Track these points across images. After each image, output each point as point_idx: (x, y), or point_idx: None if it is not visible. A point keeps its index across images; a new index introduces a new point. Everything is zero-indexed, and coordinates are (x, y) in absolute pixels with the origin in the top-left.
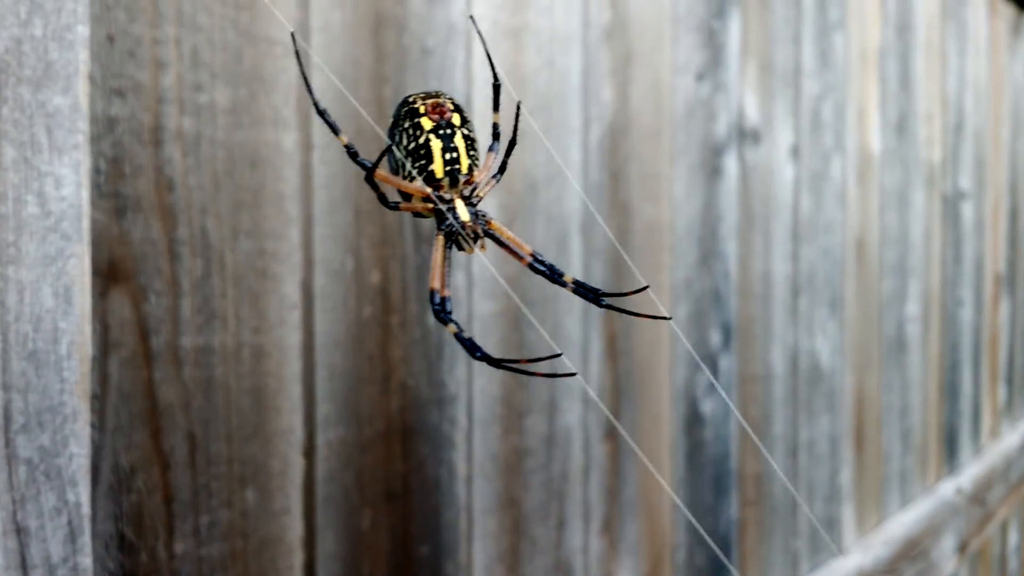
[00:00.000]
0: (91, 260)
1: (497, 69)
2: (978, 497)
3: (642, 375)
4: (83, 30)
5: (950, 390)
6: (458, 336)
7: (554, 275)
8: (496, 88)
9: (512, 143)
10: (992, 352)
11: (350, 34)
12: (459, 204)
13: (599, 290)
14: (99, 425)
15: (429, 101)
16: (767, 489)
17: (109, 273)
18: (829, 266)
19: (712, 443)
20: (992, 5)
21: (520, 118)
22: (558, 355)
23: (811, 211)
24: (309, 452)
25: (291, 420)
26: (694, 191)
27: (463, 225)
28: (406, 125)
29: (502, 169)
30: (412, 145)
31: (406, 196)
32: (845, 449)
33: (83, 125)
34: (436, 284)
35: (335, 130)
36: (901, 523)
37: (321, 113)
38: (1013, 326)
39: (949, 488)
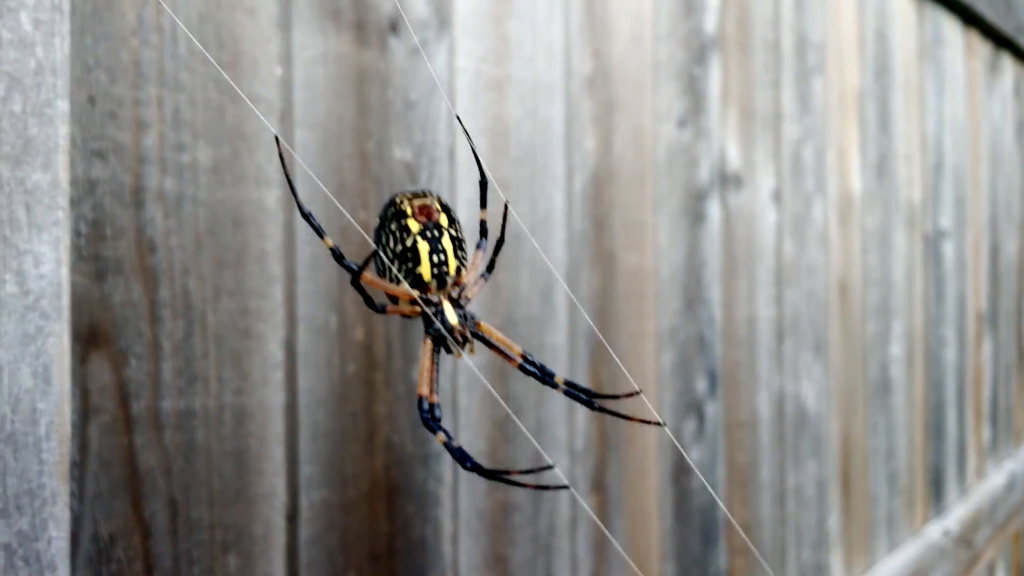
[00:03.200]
0: (71, 325)
1: (485, 168)
2: (965, 539)
3: (629, 425)
4: (63, 105)
5: (935, 431)
6: (447, 446)
7: (544, 376)
8: (483, 185)
9: (500, 242)
10: (976, 391)
11: (333, 89)
12: (447, 307)
13: (591, 391)
14: (79, 494)
15: (416, 203)
16: (756, 536)
17: (89, 338)
18: (813, 309)
19: (700, 492)
20: (968, 44)
21: (508, 217)
22: (550, 467)
23: (794, 254)
24: (292, 515)
25: (274, 483)
26: (678, 237)
27: (451, 329)
28: (393, 227)
29: (490, 267)
30: (399, 248)
31: (393, 299)
32: (832, 494)
33: (63, 201)
34: (424, 390)
35: (320, 233)
36: (890, 568)
37: (306, 217)
38: (996, 364)
39: (936, 530)
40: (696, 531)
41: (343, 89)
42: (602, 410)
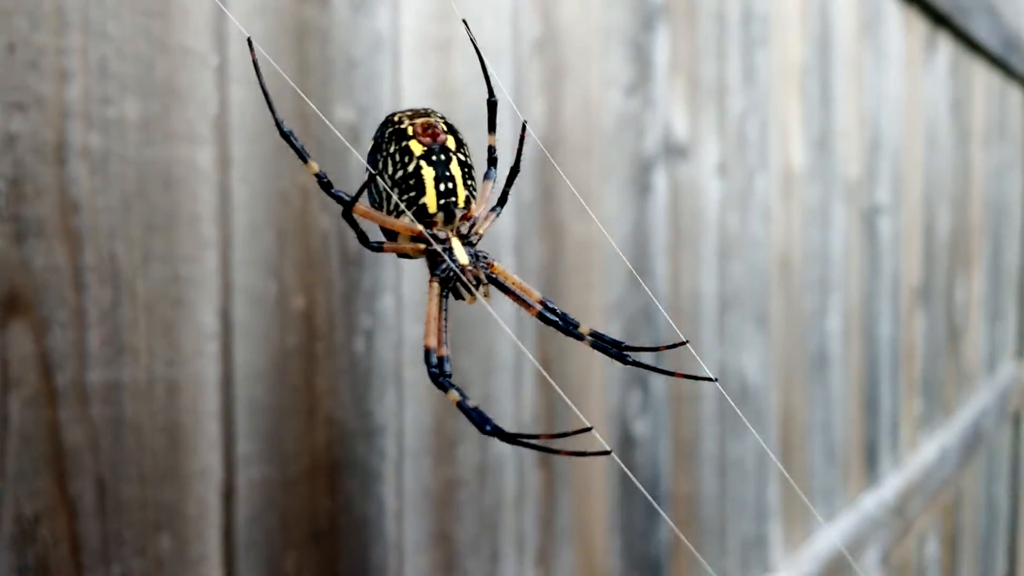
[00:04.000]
0: None
1: (494, 83)
2: (899, 509)
3: (576, 398)
4: None
5: (870, 404)
6: (462, 406)
7: (567, 325)
8: (492, 105)
9: (515, 171)
10: (909, 365)
11: (272, 44)
12: (456, 244)
13: (621, 343)
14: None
15: (418, 121)
16: (697, 510)
17: (8, 304)
18: (755, 283)
19: (645, 465)
20: (907, 21)
21: (525, 141)
22: (588, 429)
23: (737, 228)
24: (228, 493)
25: (209, 459)
26: (625, 208)
27: (462, 269)
28: (391, 150)
29: (502, 200)
30: (400, 174)
31: (391, 235)
32: (772, 466)
33: None
34: (431, 342)
35: (303, 156)
36: (827, 538)
37: (287, 136)
38: (928, 339)
39: (871, 501)
40: (641, 505)
41: (282, 45)
42: (637, 364)
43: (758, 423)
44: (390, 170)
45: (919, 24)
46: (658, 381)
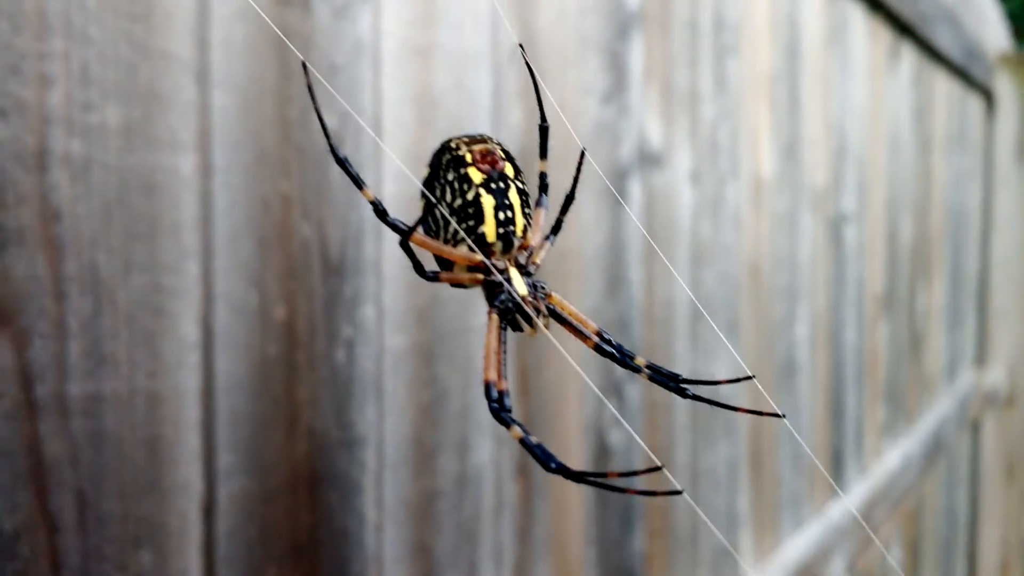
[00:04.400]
0: None
1: (546, 107)
2: (865, 516)
3: (553, 409)
4: None
5: (836, 411)
6: (525, 443)
7: (624, 357)
8: (544, 131)
9: (570, 198)
10: (873, 372)
11: (253, 50)
12: (514, 274)
13: (678, 376)
14: None
15: (476, 148)
16: (671, 519)
17: None
18: (726, 290)
19: None
20: (872, 30)
21: (582, 169)
22: (659, 468)
23: (710, 236)
24: (209, 507)
25: (189, 472)
26: (601, 216)
27: (522, 300)
28: (450, 177)
29: (556, 229)
30: (459, 202)
31: (446, 264)
32: (742, 475)
33: None
34: (492, 375)
35: (359, 184)
36: (795, 546)
37: (342, 162)
38: (891, 346)
39: (837, 509)
40: (616, 515)
41: (264, 50)
42: (697, 398)
43: (729, 432)
44: (448, 198)
45: (884, 33)
46: (633, 391)
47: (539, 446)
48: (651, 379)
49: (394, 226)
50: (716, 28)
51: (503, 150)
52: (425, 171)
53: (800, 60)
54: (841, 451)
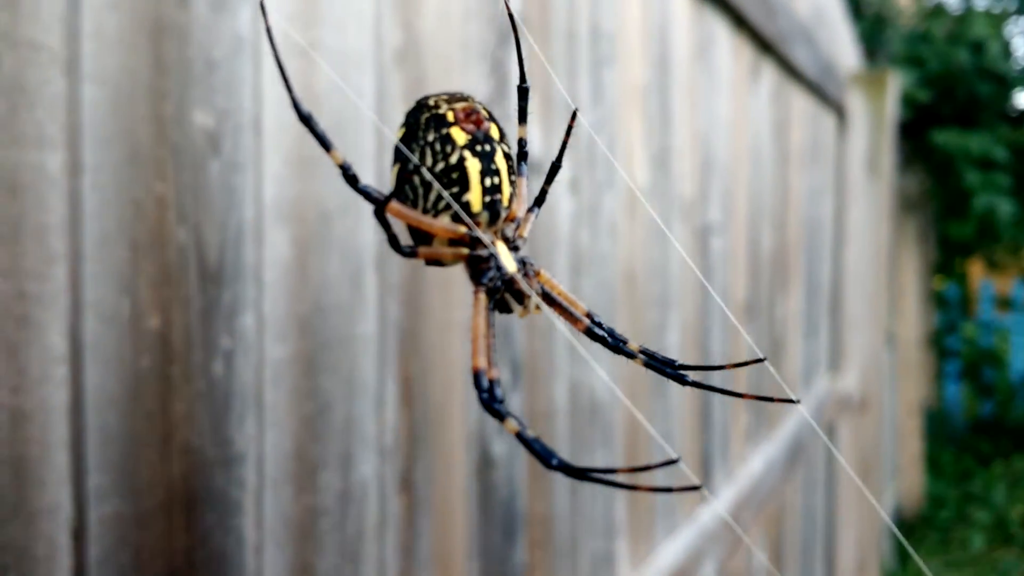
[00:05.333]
0: None
1: (526, 66)
2: (733, 520)
3: (437, 419)
4: None
5: (704, 417)
6: (523, 437)
7: (616, 342)
8: (524, 92)
9: (556, 166)
10: (737, 380)
11: (127, 41)
12: (501, 249)
13: (674, 361)
14: None
15: (459, 106)
16: (552, 529)
17: None
18: (604, 298)
19: (502, 486)
20: (735, 47)
21: (572, 132)
22: (675, 461)
23: (588, 244)
24: (79, 532)
25: (58, 495)
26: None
27: (510, 280)
28: (430, 138)
29: (540, 200)
30: (440, 166)
31: (424, 237)
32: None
33: None
34: (480, 362)
35: (326, 144)
36: (669, 551)
37: (306, 119)
38: (753, 354)
39: (707, 514)
40: (498, 527)
41: (138, 41)
42: (697, 385)
43: (606, 438)
44: (428, 161)
45: (747, 49)
46: (515, 401)
47: (537, 440)
48: (647, 365)
49: (367, 194)
50: (593, 38)
51: (486, 109)
52: (399, 132)
53: (671, 73)
54: (710, 456)
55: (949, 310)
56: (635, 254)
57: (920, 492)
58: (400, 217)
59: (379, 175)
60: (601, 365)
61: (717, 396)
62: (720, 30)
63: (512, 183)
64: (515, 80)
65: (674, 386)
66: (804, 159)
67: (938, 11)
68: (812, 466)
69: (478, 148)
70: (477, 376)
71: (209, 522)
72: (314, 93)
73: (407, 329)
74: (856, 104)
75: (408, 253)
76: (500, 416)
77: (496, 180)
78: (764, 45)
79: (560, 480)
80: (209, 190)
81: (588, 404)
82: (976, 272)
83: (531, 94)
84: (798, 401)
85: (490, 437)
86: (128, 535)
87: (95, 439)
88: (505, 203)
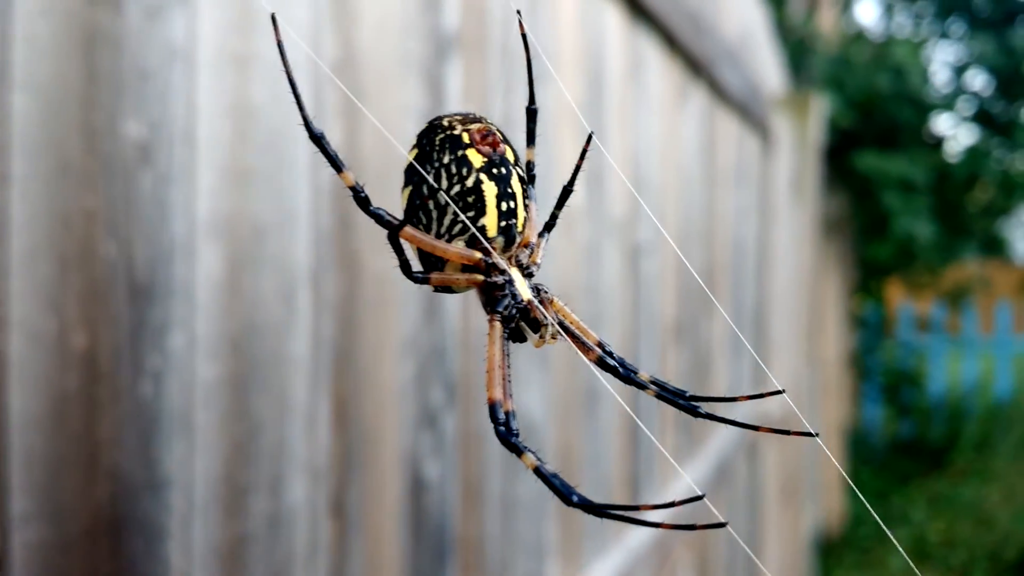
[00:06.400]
0: None
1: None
2: (661, 540)
3: (370, 440)
4: None
5: (634, 437)
6: (541, 472)
7: (627, 372)
8: (532, 114)
9: (567, 191)
10: (667, 409)
11: (59, 50)
12: (516, 275)
13: (684, 392)
14: None
15: (474, 127)
16: (483, 551)
17: None
18: None
19: (435, 509)
20: (665, 69)
21: (585, 158)
22: (700, 498)
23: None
24: (1, 557)
25: None
26: None
27: (526, 307)
28: (446, 160)
29: (550, 225)
30: (456, 189)
31: (436, 263)
32: (550, 503)
33: None
34: (496, 394)
35: (337, 166)
36: (599, 573)
37: (317, 139)
38: (681, 374)
39: (637, 535)
40: (430, 550)
41: (70, 50)
42: (710, 416)
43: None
44: (444, 184)
45: (676, 71)
46: (448, 422)
47: (555, 476)
48: (658, 396)
49: (379, 217)
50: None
51: (500, 131)
52: (410, 153)
53: (604, 93)
54: (639, 476)
55: (869, 331)
56: (569, 274)
57: (841, 511)
58: (413, 242)
59: (314, 189)
60: (533, 386)
61: (647, 418)
62: (651, 50)
63: (527, 207)
64: (452, 95)
65: (604, 406)
66: (731, 180)
67: (859, 37)
68: (735, 485)
69: (494, 171)
70: (493, 408)
71: (136, 548)
72: (250, 104)
73: (341, 348)
74: (781, 127)
75: (420, 279)
76: (518, 451)
77: (512, 204)
78: (694, 66)
79: (491, 501)
80: (140, 204)
81: (522, 424)
82: (895, 294)
83: (469, 109)
84: (816, 435)
85: (422, 459)
86: (52, 561)
87: (18, 462)
88: (520, 228)
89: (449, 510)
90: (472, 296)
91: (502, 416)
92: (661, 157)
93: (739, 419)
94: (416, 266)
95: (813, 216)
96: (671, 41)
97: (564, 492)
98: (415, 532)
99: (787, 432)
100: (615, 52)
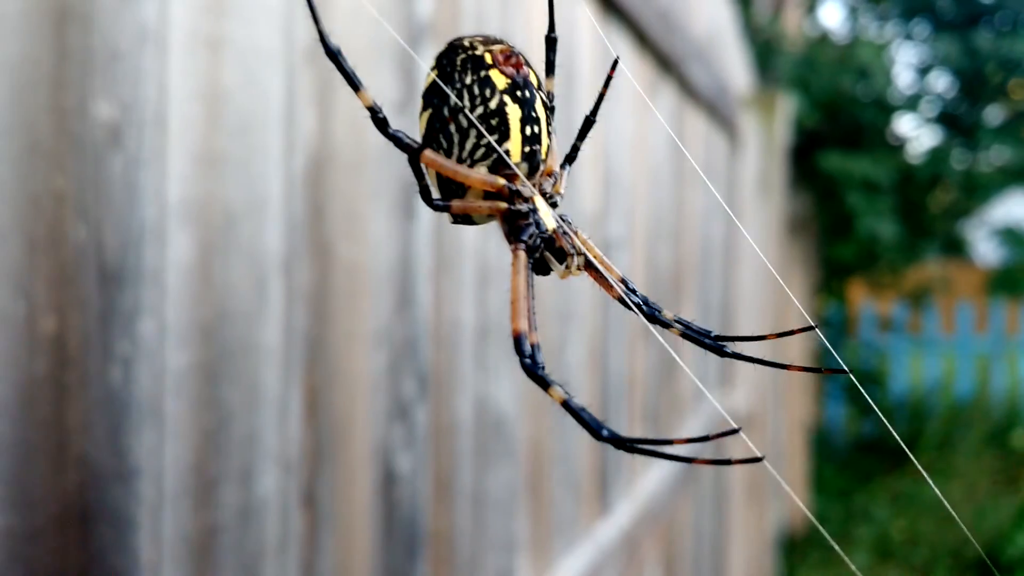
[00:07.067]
0: None
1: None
2: (630, 536)
3: (342, 431)
4: None
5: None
6: (570, 406)
7: (652, 310)
8: (552, 42)
9: (591, 121)
10: (633, 396)
11: (29, 27)
12: (541, 204)
13: (710, 332)
14: None
15: (496, 47)
16: (453, 545)
17: None
18: (509, 312)
19: (406, 502)
20: (637, 64)
21: (610, 86)
22: (736, 431)
23: (495, 256)
24: None
25: None
26: (393, 232)
27: (551, 237)
28: (468, 80)
29: (572, 156)
30: (479, 111)
31: (457, 190)
32: (521, 498)
33: None
34: (522, 325)
35: (354, 84)
36: (568, 567)
37: (334, 55)
38: (649, 370)
39: (605, 529)
40: (401, 543)
41: (40, 29)
42: (737, 356)
43: (510, 454)
44: (466, 105)
45: (648, 67)
46: (420, 415)
47: (584, 410)
48: (683, 335)
49: (398, 140)
50: None
51: (521, 54)
52: (430, 75)
53: (576, 86)
54: (608, 472)
55: (832, 330)
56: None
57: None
58: (434, 167)
59: (286, 177)
60: (506, 379)
61: (615, 412)
62: (623, 46)
63: (551, 135)
64: (420, 85)
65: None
66: (699, 178)
67: (824, 39)
68: (701, 482)
69: (518, 94)
70: (519, 340)
71: (104, 538)
72: (221, 88)
73: (313, 337)
74: (748, 126)
75: (440, 207)
76: (545, 384)
77: (536, 129)
78: (664, 63)
79: (463, 496)
80: (110, 186)
81: (493, 418)
82: (858, 294)
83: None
84: (848, 371)
85: (394, 452)
86: (20, 551)
87: None
88: (543, 155)
89: (420, 503)
90: (445, 284)
91: (528, 349)
92: (632, 153)
93: (703, 415)
94: (436, 194)
95: (779, 215)
96: (642, 38)
97: (594, 426)
98: (386, 525)
99: (819, 370)
100: (586, 47)
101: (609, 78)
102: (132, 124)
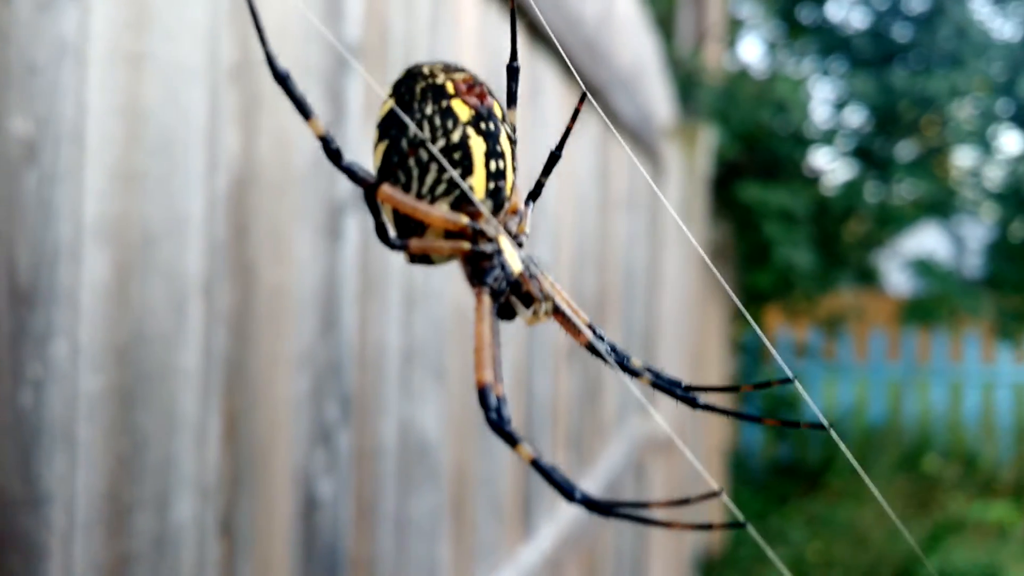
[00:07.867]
0: None
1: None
2: (552, 559)
3: (262, 457)
4: None
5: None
6: (540, 466)
7: (621, 358)
8: (514, 72)
9: (556, 156)
10: (558, 420)
11: None
12: (505, 244)
13: (680, 383)
14: None
15: (458, 76)
16: (376, 572)
17: None
18: (435, 334)
19: (327, 528)
20: (563, 93)
21: (577, 118)
22: (717, 494)
23: (421, 279)
24: None
25: None
26: (318, 253)
27: (517, 280)
28: (428, 111)
29: (536, 193)
30: (441, 143)
31: (417, 227)
32: (444, 522)
33: None
34: (487, 376)
35: (305, 112)
36: None
37: (282, 80)
38: (573, 395)
39: (528, 554)
40: (322, 570)
41: None
42: (708, 408)
43: (434, 478)
44: (428, 137)
45: (573, 97)
46: (343, 439)
47: (555, 470)
48: (653, 384)
49: (352, 173)
50: None
51: (485, 84)
52: (385, 104)
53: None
54: (531, 495)
55: (748, 356)
56: (465, 290)
57: (722, 531)
58: (391, 203)
59: (208, 197)
60: (431, 403)
61: (540, 436)
62: (547, 76)
63: (515, 170)
64: (353, 106)
65: None
66: (623, 206)
67: (743, 73)
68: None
69: (482, 126)
70: (483, 393)
71: (14, 566)
72: (142, 104)
73: (233, 361)
74: (671, 155)
75: (397, 246)
76: (513, 440)
77: (501, 165)
78: (590, 92)
79: (385, 521)
80: (23, 203)
81: (417, 442)
82: (774, 320)
83: (371, 122)
84: (829, 427)
85: (316, 477)
86: None
87: None
88: (508, 192)
89: (342, 529)
90: (371, 307)
91: (494, 401)
92: (558, 181)
93: (626, 438)
94: (392, 232)
95: (700, 243)
96: (567, 67)
97: (566, 488)
98: (306, 552)
99: (797, 424)
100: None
101: (577, 111)
102: (48, 140)
